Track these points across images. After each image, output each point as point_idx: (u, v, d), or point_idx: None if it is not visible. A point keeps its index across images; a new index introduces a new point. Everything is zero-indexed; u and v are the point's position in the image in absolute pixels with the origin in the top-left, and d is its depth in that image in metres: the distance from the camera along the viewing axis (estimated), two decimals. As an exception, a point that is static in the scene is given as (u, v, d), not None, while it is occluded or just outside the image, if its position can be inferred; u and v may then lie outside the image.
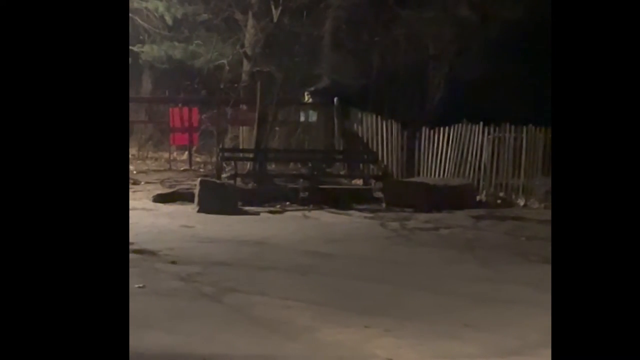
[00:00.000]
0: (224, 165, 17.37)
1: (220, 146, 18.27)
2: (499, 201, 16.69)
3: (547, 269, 9.53)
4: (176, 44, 21.25)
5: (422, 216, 14.18)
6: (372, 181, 17.20)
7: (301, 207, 15.01)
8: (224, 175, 16.34)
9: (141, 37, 21.08)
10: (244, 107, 20.26)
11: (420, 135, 18.45)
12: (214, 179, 15.28)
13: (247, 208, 14.35)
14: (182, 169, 19.53)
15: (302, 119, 21.42)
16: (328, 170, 18.41)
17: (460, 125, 17.90)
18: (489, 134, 17.53)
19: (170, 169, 19.34)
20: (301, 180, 16.57)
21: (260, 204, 14.87)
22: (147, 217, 12.66)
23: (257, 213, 14.17)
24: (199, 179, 14.83)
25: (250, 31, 19.75)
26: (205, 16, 20.80)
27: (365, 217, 14.18)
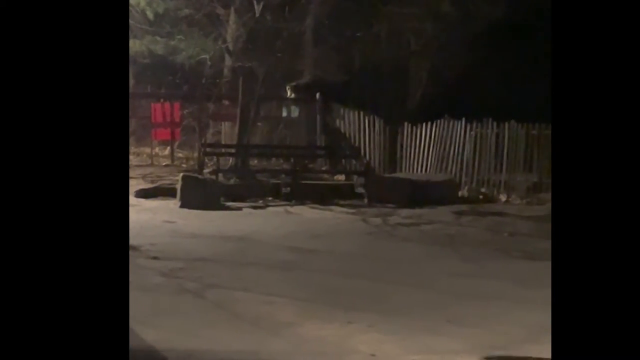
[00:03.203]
0: (206, 160, 17.35)
1: (202, 141, 18.25)
2: (480, 197, 16.75)
3: (529, 265, 9.60)
4: (158, 38, 21.18)
5: (404, 212, 14.20)
6: (355, 177, 17.21)
7: (283, 203, 15.00)
8: (206, 171, 16.32)
9: (123, 32, 21.00)
10: (226, 102, 20.26)
11: (403, 130, 18.48)
12: (196, 175, 15.24)
13: (229, 203, 14.33)
14: (164, 164, 19.49)
15: (284, 114, 21.43)
16: (310, 165, 18.43)
17: (442, 121, 17.94)
18: (470, 130, 17.57)
19: (152, 164, 19.29)
20: (283, 175, 16.58)
21: (243, 199, 14.86)
22: (129, 212, 12.60)
23: (240, 208, 14.16)
24: (181, 174, 14.80)
25: (232, 26, 19.74)
26: (186, 11, 20.75)
27: (348, 213, 14.19)
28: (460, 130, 17.67)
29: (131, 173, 17.12)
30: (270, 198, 15.33)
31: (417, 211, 14.34)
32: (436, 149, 17.96)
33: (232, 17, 19.70)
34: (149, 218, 12.38)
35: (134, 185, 15.47)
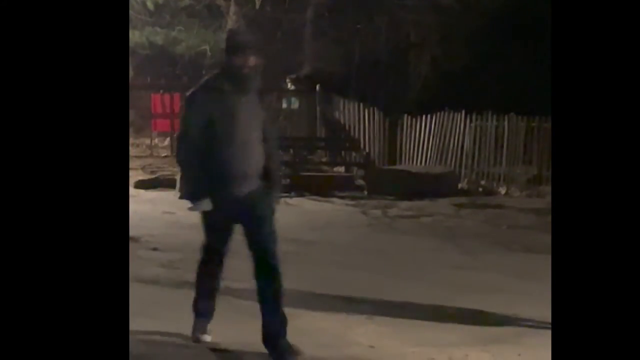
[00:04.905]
0: (206, 151, 17.31)
1: (202, 133, 18.22)
2: (480, 189, 16.75)
3: (528, 258, 9.61)
4: (158, 29, 21.16)
5: (404, 204, 14.19)
6: (354, 169, 17.21)
7: (283, 195, 14.98)
8: (205, 162, 16.28)
9: (122, 23, 20.96)
10: (226, 93, 20.22)
11: (402, 123, 18.47)
12: (195, 166, 15.21)
13: (228, 195, 14.29)
14: (163, 155, 19.49)
15: (284, 106, 21.43)
16: (310, 157, 18.43)
17: (442, 113, 17.93)
18: (470, 122, 17.57)
19: (151, 155, 19.29)
20: (283, 167, 16.55)
21: (242, 190, 14.82)
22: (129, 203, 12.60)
23: (239, 200, 14.12)
24: (181, 165, 14.77)
25: (232, 17, 19.72)
26: (187, 2, 20.74)
27: (347, 205, 14.19)
28: (460, 123, 17.67)
29: (130, 164, 17.14)
30: (269, 190, 15.31)
31: (417, 203, 14.33)
32: (436, 141, 17.96)
33: (233, 8, 19.69)
34: (149, 209, 12.38)
35: (133, 176, 15.46)
